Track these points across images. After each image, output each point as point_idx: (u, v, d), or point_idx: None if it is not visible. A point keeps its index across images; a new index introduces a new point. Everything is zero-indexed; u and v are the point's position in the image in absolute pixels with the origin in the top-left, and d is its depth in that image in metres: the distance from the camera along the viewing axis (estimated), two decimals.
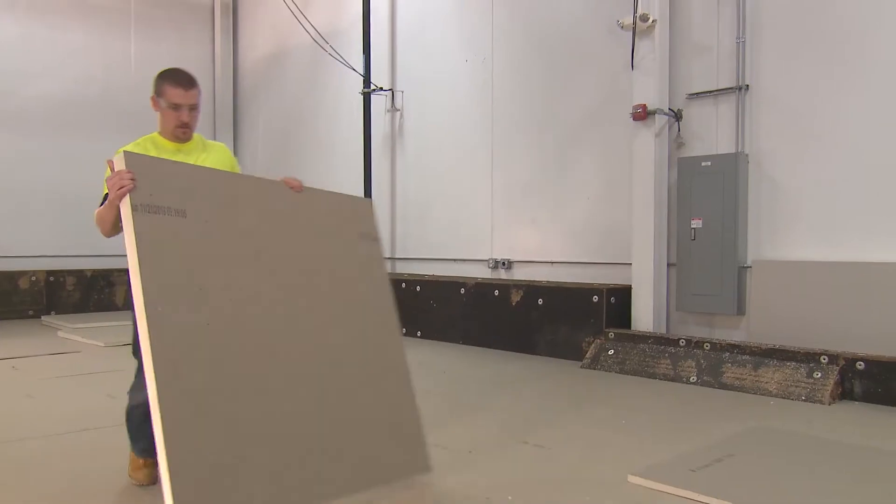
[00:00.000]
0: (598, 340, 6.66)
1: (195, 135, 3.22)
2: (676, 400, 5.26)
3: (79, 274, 10.87)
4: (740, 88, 6.24)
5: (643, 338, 6.38)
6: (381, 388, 3.13)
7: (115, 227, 2.74)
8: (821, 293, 5.72)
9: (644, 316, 6.67)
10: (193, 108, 3.08)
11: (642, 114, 6.57)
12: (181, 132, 3.10)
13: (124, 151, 2.50)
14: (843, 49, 5.72)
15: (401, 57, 9.72)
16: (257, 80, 12.46)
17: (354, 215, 3.32)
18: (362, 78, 9.67)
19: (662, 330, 6.68)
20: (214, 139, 13.11)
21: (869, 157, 5.61)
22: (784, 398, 5.21)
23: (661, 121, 6.63)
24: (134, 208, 2.41)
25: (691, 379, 5.79)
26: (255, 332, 2.65)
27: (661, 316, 6.71)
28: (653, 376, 6.01)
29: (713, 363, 5.77)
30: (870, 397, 5.07)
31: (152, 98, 3.10)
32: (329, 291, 3.04)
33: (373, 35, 9.75)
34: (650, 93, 6.60)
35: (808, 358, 5.34)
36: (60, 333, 8.78)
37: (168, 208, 2.50)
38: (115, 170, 2.48)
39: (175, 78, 3.06)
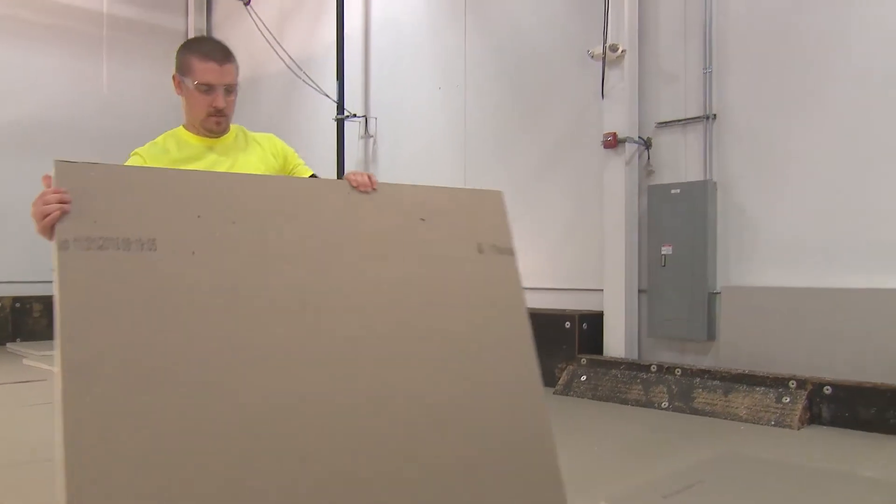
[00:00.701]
0: (571, 366, 6.68)
1: (234, 127, 2.37)
2: (648, 426, 5.28)
3: (46, 300, 10.67)
4: (708, 117, 6.37)
5: (615, 364, 6.41)
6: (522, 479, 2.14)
7: None
8: (788, 318, 5.80)
9: (616, 342, 6.71)
10: (230, 89, 2.22)
11: (613, 142, 6.67)
12: (213, 123, 2.24)
13: (57, 161, 1.79)
14: (806, 81, 5.87)
15: (374, 84, 9.78)
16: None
17: (471, 219, 2.28)
18: (336, 104, 9.71)
19: (634, 356, 6.72)
20: None
21: (830, 185, 5.73)
22: (754, 423, 5.26)
23: (631, 149, 6.73)
24: (61, 246, 1.64)
25: (663, 404, 5.82)
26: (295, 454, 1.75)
27: (632, 342, 6.75)
28: (625, 402, 6.03)
29: (684, 389, 5.81)
30: (837, 422, 5.13)
31: (174, 78, 2.29)
32: (425, 349, 2.05)
33: (347, 62, 9.80)
34: (620, 121, 6.71)
35: (777, 383, 5.40)
36: (26, 361, 8.60)
37: (123, 240, 1.69)
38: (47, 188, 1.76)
39: (204, 49, 2.22)
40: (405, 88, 9.29)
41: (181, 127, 2.34)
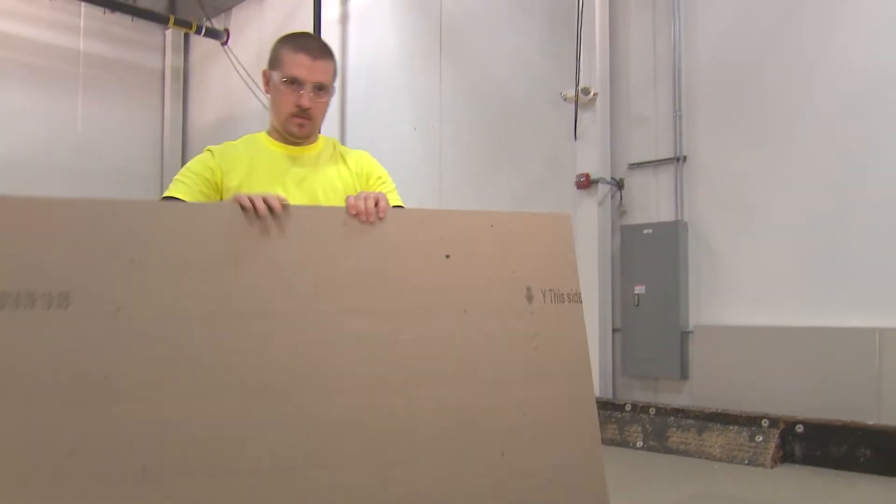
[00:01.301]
0: None
1: (326, 139, 2.11)
2: (623, 465, 5.27)
3: None
4: (678, 159, 6.49)
5: None
6: None
7: None
8: (759, 357, 5.86)
9: None
10: (322, 89, 1.94)
11: (585, 182, 6.77)
12: (296, 125, 1.96)
13: None
14: (772, 125, 6.03)
15: (350, 124, 9.85)
16: (207, 144, 12.42)
17: (518, 254, 1.72)
18: None
19: (609, 394, 6.73)
20: None
21: (796, 226, 5.85)
22: (728, 462, 5.27)
23: (603, 189, 6.83)
24: None
25: (637, 444, 5.82)
26: None
27: (607, 380, 6.77)
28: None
29: (658, 428, 5.82)
30: (810, 460, 5.16)
31: (264, 74, 2.03)
32: (445, 454, 1.55)
33: None
34: (593, 162, 6.82)
35: (750, 422, 5.44)
36: None
37: (25, 295, 1.31)
38: None
39: (299, 41, 1.97)
40: (381, 129, 9.37)
41: (264, 133, 2.09)
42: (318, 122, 2.01)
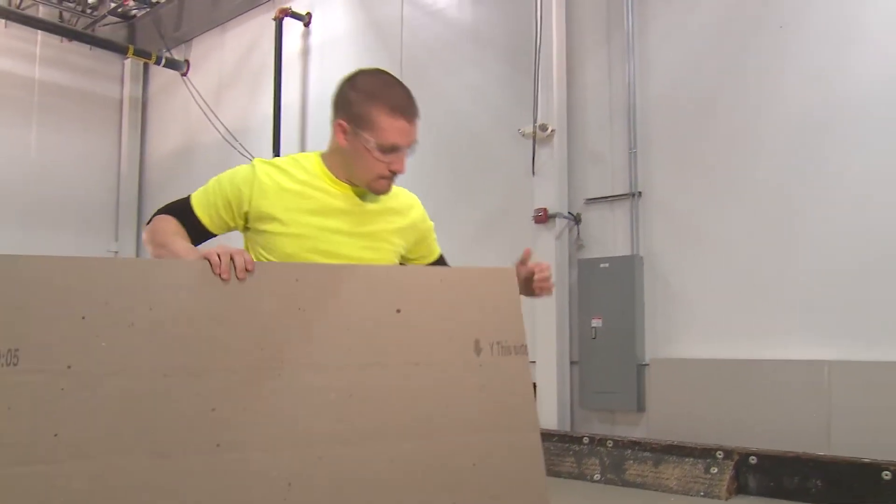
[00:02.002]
0: None
1: None
2: (581, 499, 5.28)
3: None
4: (633, 195, 6.63)
5: (548, 436, 6.41)
6: None
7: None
8: (714, 389, 5.95)
9: (549, 413, 6.74)
10: (413, 148, 1.88)
11: (543, 217, 6.86)
12: (385, 186, 1.86)
13: None
14: (723, 161, 6.20)
15: None
16: (165, 174, 12.31)
17: (467, 308, 1.77)
18: None
19: (567, 427, 6.75)
20: (116, 237, 12.81)
21: (746, 261, 5.99)
22: (684, 494, 5.32)
23: (561, 224, 6.93)
24: None
25: (595, 477, 5.84)
26: None
27: (565, 413, 6.79)
28: (558, 475, 6.02)
29: (616, 461, 5.85)
30: (763, 491, 5.23)
31: (340, 125, 1.83)
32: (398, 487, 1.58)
33: (283, 134, 9.88)
34: (550, 197, 6.92)
35: (705, 454, 5.50)
36: None
37: None
38: None
39: (394, 100, 1.80)
40: None
41: (320, 160, 1.88)
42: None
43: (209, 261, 1.52)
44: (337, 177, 1.86)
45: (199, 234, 1.83)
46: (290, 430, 1.50)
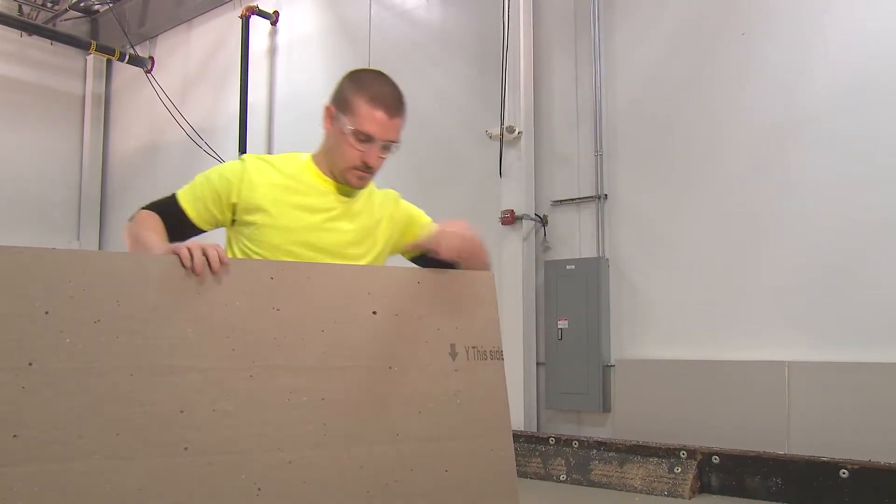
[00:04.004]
0: None
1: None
2: (547, 500, 5.31)
3: None
4: (599, 197, 6.69)
5: (514, 437, 6.36)
6: None
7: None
8: (677, 390, 6.03)
9: (515, 414, 6.73)
10: (389, 147, 1.87)
11: (510, 219, 6.90)
12: (355, 177, 1.86)
13: None
14: (686, 165, 6.29)
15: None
16: (129, 172, 12.12)
17: (443, 311, 1.74)
18: None
19: (533, 428, 6.79)
20: (77, 236, 12.57)
21: (708, 263, 6.09)
22: (648, 493, 5.38)
23: (528, 225, 6.97)
24: None
25: (561, 477, 5.88)
26: None
27: (531, 414, 6.83)
28: (524, 475, 6.05)
29: (582, 461, 5.90)
30: (726, 490, 5.32)
31: (328, 109, 1.88)
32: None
33: (249, 133, 9.79)
34: (517, 199, 6.96)
35: (669, 453, 5.57)
36: None
37: None
38: None
39: (377, 91, 1.83)
40: None
41: (310, 158, 1.92)
42: (376, 174, 1.90)
43: (178, 255, 1.47)
44: (323, 172, 1.89)
45: (185, 228, 1.80)
46: (261, 433, 1.45)
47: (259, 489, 1.43)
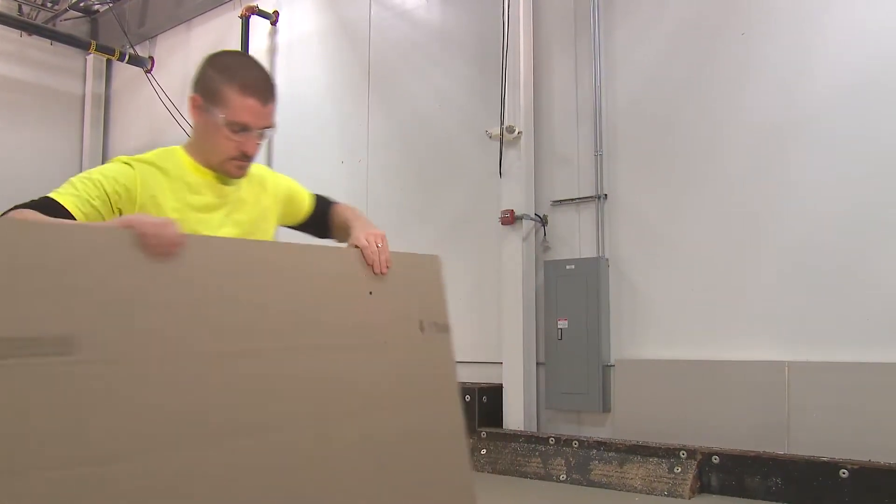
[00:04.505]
0: (471, 440, 6.67)
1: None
2: (547, 500, 5.31)
3: None
4: (599, 197, 6.69)
5: (514, 437, 6.45)
6: None
7: None
8: (677, 390, 6.03)
9: (515, 414, 6.77)
10: (263, 133, 1.79)
11: (510, 218, 6.89)
12: (235, 168, 1.79)
13: None
14: (686, 165, 6.29)
15: (277, 155, 9.77)
16: None
17: (411, 290, 1.87)
18: None
19: (533, 428, 6.79)
20: None
21: (709, 263, 6.09)
22: (648, 493, 5.38)
23: (527, 225, 6.97)
24: None
25: (561, 477, 5.88)
26: None
27: (531, 414, 6.83)
28: (524, 475, 6.05)
29: (581, 461, 5.90)
30: (726, 490, 5.32)
31: (193, 99, 1.78)
32: (358, 458, 1.63)
33: None
34: (517, 199, 6.96)
35: (669, 453, 5.57)
36: None
37: (29, 342, 1.14)
38: None
39: (246, 79, 1.74)
40: (308, 161, 9.33)
41: (181, 149, 1.82)
42: (253, 160, 1.83)
43: (143, 232, 1.33)
44: (200, 165, 1.79)
45: None
46: (276, 413, 1.47)
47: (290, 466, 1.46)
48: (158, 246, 1.34)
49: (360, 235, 1.80)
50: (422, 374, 1.82)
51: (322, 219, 2.09)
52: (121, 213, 1.65)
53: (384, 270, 1.73)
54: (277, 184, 1.98)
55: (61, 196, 1.59)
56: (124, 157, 1.74)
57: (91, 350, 1.20)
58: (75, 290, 1.21)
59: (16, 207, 1.54)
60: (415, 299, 1.85)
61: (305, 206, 2.07)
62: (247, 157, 1.77)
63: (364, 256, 1.72)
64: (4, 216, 1.46)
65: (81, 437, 1.17)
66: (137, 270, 1.30)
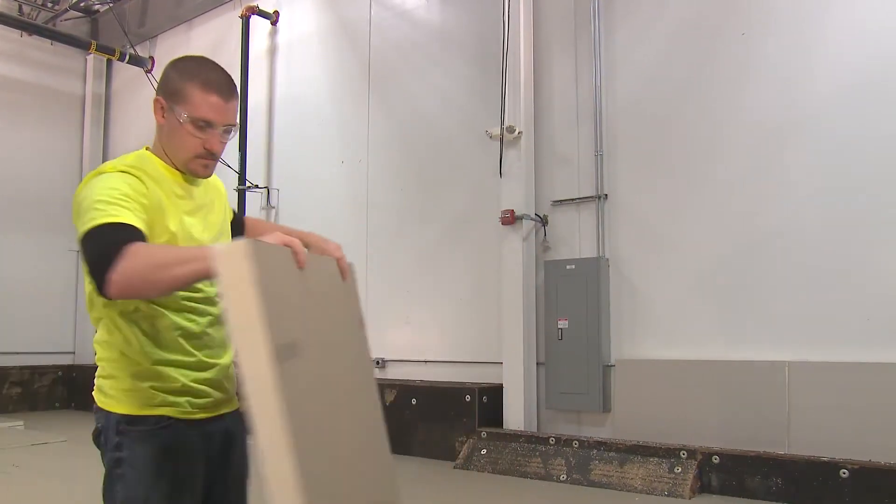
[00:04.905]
0: (472, 440, 6.67)
1: None
2: (547, 500, 5.31)
3: None
4: (599, 197, 6.69)
5: (514, 437, 6.45)
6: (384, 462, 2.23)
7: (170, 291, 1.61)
8: (677, 390, 6.03)
9: (515, 415, 6.77)
10: (229, 130, 1.86)
11: (510, 218, 6.89)
12: (201, 166, 1.85)
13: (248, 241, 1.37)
14: (686, 165, 6.29)
15: (277, 156, 9.78)
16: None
17: (346, 293, 2.05)
18: (237, 175, 9.63)
19: (533, 428, 6.79)
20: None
21: (709, 263, 6.09)
22: (649, 493, 5.38)
23: (528, 225, 6.97)
24: (278, 353, 1.36)
25: (561, 477, 5.88)
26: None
27: (531, 414, 6.83)
28: (525, 475, 6.06)
29: (582, 461, 5.90)
30: (726, 490, 5.32)
31: (158, 101, 1.85)
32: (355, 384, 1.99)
33: (250, 134, 9.78)
34: (517, 199, 6.96)
35: (669, 453, 5.57)
36: None
37: (289, 346, 1.43)
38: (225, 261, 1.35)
39: (208, 77, 1.81)
40: (308, 161, 9.34)
41: (150, 153, 1.86)
42: (218, 159, 1.90)
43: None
44: (167, 164, 1.84)
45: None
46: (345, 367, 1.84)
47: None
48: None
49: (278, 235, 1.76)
50: (369, 367, 2.13)
51: (238, 223, 2.18)
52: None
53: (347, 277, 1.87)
54: (221, 187, 2.08)
55: (123, 215, 1.61)
56: (119, 167, 1.75)
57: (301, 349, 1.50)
58: (289, 299, 1.51)
59: (118, 245, 1.51)
60: (352, 300, 2.03)
61: (230, 209, 2.16)
62: (212, 156, 1.83)
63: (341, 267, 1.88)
64: (134, 251, 1.50)
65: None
66: (297, 280, 1.60)
